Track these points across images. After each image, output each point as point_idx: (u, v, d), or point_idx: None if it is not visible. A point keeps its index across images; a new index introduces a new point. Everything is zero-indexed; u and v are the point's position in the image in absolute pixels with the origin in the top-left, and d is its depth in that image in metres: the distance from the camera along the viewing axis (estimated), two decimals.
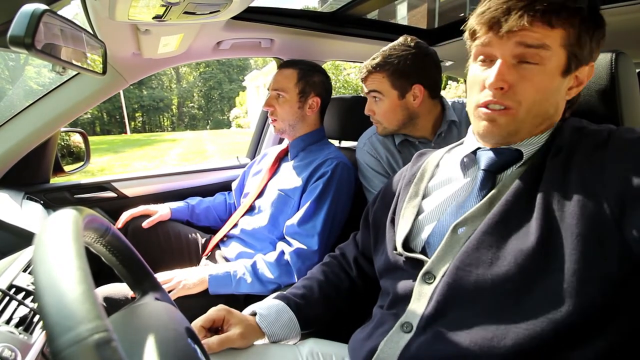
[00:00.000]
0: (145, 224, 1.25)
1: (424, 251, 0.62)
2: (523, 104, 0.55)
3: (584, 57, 0.55)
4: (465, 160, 0.66)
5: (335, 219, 1.11)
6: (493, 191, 0.57)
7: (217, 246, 1.28)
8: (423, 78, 1.05)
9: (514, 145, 0.60)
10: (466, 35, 0.61)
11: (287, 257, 1.05)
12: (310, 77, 1.22)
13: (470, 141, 0.67)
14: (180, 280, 1.00)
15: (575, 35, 0.53)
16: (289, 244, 1.08)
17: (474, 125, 0.61)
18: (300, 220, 1.08)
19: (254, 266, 1.06)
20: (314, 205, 1.09)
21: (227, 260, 1.21)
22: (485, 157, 0.62)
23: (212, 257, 1.26)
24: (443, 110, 1.13)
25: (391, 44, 1.07)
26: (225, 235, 1.28)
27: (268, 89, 1.26)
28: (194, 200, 1.45)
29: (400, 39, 1.08)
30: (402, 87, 1.05)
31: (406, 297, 0.59)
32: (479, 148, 0.64)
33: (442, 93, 1.18)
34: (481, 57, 0.58)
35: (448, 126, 1.12)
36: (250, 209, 1.26)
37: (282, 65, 1.26)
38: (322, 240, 1.07)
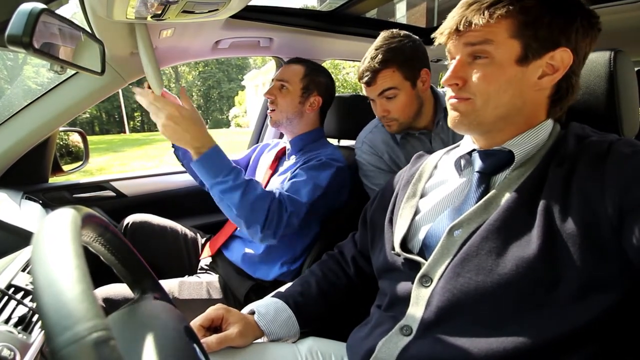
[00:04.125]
0: None
1: (421, 253, 0.62)
2: (477, 94, 0.58)
3: (543, 44, 0.56)
4: (460, 161, 0.67)
5: (318, 207, 1.07)
6: (489, 194, 0.58)
7: (219, 249, 1.27)
8: (426, 61, 1.06)
9: (506, 145, 0.60)
10: None
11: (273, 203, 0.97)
12: (315, 76, 1.23)
13: (466, 143, 0.68)
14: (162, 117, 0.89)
15: (520, 24, 0.55)
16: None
17: (448, 119, 0.64)
18: (291, 183, 1.06)
19: (249, 182, 0.97)
20: (305, 176, 1.06)
21: (230, 261, 1.20)
22: (480, 159, 0.63)
23: (214, 261, 1.25)
24: (436, 99, 1.14)
25: (381, 42, 1.03)
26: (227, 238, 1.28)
27: (272, 80, 1.26)
28: None
29: (385, 34, 1.05)
30: (413, 75, 1.04)
31: (404, 300, 0.60)
32: (474, 150, 0.65)
33: (439, 91, 1.18)
34: (451, 61, 0.63)
35: (444, 114, 1.11)
36: None
37: (290, 60, 1.28)
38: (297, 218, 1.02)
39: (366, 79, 1.04)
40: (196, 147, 0.93)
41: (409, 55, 1.02)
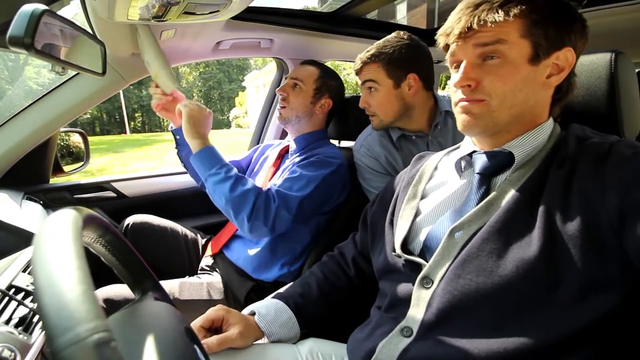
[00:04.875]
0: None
1: (422, 254, 0.62)
2: (493, 95, 0.57)
3: (552, 43, 0.56)
4: (461, 162, 0.67)
5: (312, 202, 1.09)
6: (490, 196, 0.58)
7: (220, 250, 1.27)
8: (417, 67, 1.07)
9: (506, 147, 0.60)
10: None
11: (258, 198, 1.02)
12: (329, 80, 1.26)
13: (467, 144, 0.68)
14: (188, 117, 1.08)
15: (531, 23, 0.55)
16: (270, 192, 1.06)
17: (457, 123, 0.63)
18: (285, 179, 1.09)
19: (238, 177, 1.05)
20: (299, 172, 1.10)
21: (231, 262, 1.20)
22: (480, 160, 0.63)
23: (215, 262, 1.25)
24: (436, 102, 1.15)
25: (384, 38, 1.09)
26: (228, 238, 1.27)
27: (286, 78, 1.29)
28: None
29: (393, 34, 1.10)
30: (398, 76, 1.06)
31: (404, 301, 0.60)
32: (475, 151, 0.65)
33: (442, 93, 1.19)
34: (454, 65, 0.62)
35: (443, 118, 1.13)
36: None
37: (305, 62, 1.31)
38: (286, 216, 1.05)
39: (355, 67, 1.12)
40: (200, 142, 1.08)
41: (397, 57, 1.05)
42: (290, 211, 1.05)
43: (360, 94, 1.15)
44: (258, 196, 1.02)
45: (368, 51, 1.08)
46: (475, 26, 0.56)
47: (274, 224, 1.03)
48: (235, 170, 1.07)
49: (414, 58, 1.07)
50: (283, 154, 1.33)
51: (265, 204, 1.02)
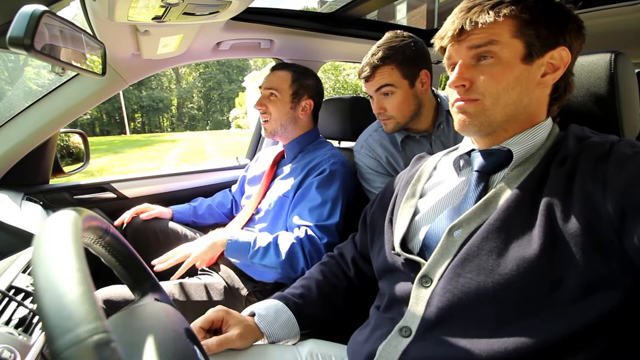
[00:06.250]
0: (144, 215, 1.27)
1: (421, 253, 0.62)
2: (486, 94, 0.58)
3: (545, 42, 0.57)
4: (459, 161, 0.67)
5: (341, 210, 1.11)
6: (488, 194, 0.58)
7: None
8: (427, 63, 1.06)
9: (505, 144, 0.61)
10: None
11: (301, 245, 1.02)
12: (304, 80, 1.23)
13: (466, 143, 0.69)
14: (188, 252, 1.01)
15: (522, 23, 0.56)
16: (303, 232, 1.05)
17: (454, 123, 0.64)
18: (309, 210, 1.08)
19: (275, 240, 1.03)
20: (320, 197, 1.08)
21: (231, 263, 1.20)
22: (478, 158, 0.63)
23: (215, 263, 1.25)
24: (438, 102, 1.14)
25: (383, 40, 1.05)
26: None
27: (260, 87, 1.27)
28: (195, 202, 1.47)
29: (389, 34, 1.07)
30: (412, 74, 1.04)
31: (403, 300, 0.60)
32: (473, 149, 0.65)
33: (442, 93, 1.19)
34: (451, 67, 0.64)
35: (446, 117, 1.12)
36: (253, 214, 1.26)
37: (276, 67, 1.27)
38: (333, 230, 1.07)
39: (365, 74, 1.05)
40: (220, 244, 1.04)
41: (409, 54, 1.02)
42: (335, 237, 1.05)
43: (361, 94, 1.14)
44: (302, 243, 1.01)
45: (374, 55, 1.02)
46: (467, 28, 0.57)
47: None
48: (263, 237, 1.04)
49: (422, 54, 1.05)
50: (278, 160, 1.32)
51: (313, 246, 1.02)
